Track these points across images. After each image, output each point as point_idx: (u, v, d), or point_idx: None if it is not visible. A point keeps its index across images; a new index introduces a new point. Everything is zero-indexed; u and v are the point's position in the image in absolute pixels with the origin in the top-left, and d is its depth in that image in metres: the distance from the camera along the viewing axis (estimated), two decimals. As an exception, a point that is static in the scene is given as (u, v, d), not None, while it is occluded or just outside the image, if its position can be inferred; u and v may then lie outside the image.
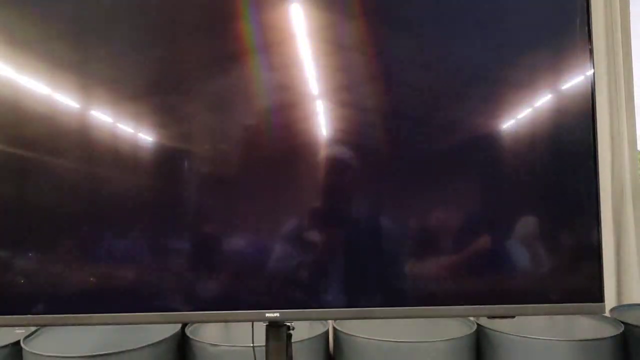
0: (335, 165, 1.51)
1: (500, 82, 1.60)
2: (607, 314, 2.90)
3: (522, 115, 1.60)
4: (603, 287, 1.66)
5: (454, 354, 2.57)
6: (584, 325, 2.80)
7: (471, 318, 2.79)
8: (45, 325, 2.53)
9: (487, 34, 1.64)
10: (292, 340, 1.76)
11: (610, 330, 2.67)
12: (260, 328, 1.76)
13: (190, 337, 2.61)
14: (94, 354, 2.34)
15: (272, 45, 1.44)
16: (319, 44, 1.46)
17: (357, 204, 1.58)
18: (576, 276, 1.66)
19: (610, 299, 3.17)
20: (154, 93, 1.51)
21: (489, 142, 1.62)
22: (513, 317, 1.68)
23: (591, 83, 1.67)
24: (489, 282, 1.67)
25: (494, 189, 1.65)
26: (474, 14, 1.65)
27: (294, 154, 1.58)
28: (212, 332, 2.74)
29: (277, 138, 1.58)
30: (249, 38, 1.46)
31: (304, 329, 2.68)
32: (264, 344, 1.74)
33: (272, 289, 1.68)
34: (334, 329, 2.73)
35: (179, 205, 1.57)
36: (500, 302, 1.68)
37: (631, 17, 3.14)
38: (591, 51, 1.67)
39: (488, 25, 1.63)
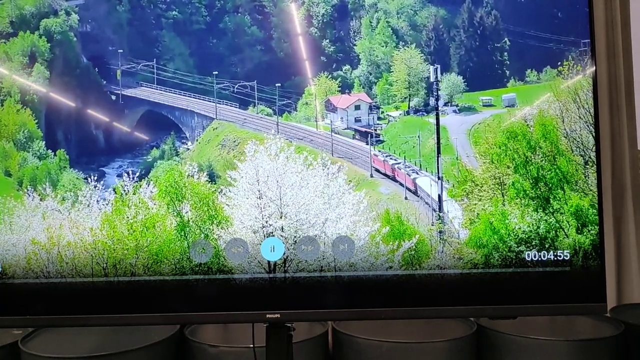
0: None
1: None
2: (607, 313, 2.90)
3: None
4: (605, 287, 1.66)
5: (454, 354, 2.56)
6: (584, 325, 2.79)
7: (471, 318, 2.78)
8: (43, 326, 2.52)
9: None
10: (292, 341, 1.75)
11: (610, 330, 2.66)
12: (261, 329, 1.75)
13: (189, 337, 2.60)
14: (92, 354, 2.33)
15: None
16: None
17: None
18: (578, 276, 1.66)
19: (610, 299, 3.16)
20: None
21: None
22: (515, 317, 1.68)
23: (593, 81, 1.67)
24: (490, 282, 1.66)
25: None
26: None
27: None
28: (210, 333, 2.73)
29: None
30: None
31: (304, 329, 2.67)
32: (263, 344, 1.73)
33: (273, 290, 1.68)
34: (334, 329, 2.72)
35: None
36: (501, 302, 1.67)
37: (631, 17, 3.13)
38: (593, 50, 1.66)
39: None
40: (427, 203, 1.77)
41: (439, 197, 1.75)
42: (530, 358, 2.52)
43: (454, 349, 2.57)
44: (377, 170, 1.80)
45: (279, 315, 1.66)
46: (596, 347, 2.55)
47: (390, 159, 1.82)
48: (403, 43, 1.81)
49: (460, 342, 2.58)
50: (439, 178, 1.75)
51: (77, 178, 1.76)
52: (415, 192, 1.79)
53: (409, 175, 1.80)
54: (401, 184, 1.81)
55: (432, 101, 1.78)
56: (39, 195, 1.73)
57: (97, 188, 1.74)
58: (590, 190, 1.67)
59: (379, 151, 1.81)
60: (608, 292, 3.10)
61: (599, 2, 3.10)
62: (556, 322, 2.85)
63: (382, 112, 1.84)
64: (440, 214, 1.74)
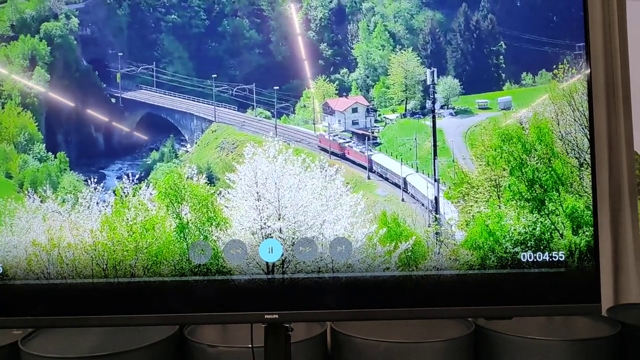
0: None
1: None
2: (604, 313, 2.91)
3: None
4: (599, 287, 1.67)
5: (452, 354, 2.58)
6: (581, 325, 2.80)
7: (469, 319, 2.79)
8: (43, 327, 2.53)
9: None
10: (291, 341, 1.76)
11: (607, 330, 2.67)
12: (259, 329, 1.77)
13: (189, 338, 2.61)
14: (92, 355, 2.34)
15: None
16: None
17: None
18: (573, 277, 1.67)
19: (607, 299, 3.17)
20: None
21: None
22: (510, 318, 1.69)
23: (588, 84, 1.68)
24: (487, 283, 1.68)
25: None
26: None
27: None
28: (209, 333, 2.74)
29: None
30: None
31: (302, 329, 2.69)
32: (262, 344, 1.75)
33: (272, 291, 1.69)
34: (332, 329, 2.73)
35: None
36: (497, 303, 1.69)
37: (627, 19, 3.15)
38: (588, 53, 1.68)
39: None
40: (385, 178, 1.80)
41: (436, 199, 1.76)
42: (528, 358, 2.54)
43: (451, 349, 2.58)
44: (324, 150, 1.83)
45: (277, 316, 1.68)
46: (593, 346, 2.56)
47: (340, 138, 1.84)
48: (400, 46, 1.83)
49: (458, 342, 2.59)
50: (435, 180, 1.76)
51: (77, 180, 1.78)
52: (370, 169, 1.83)
53: (363, 153, 1.83)
54: (353, 162, 1.84)
55: (428, 104, 1.80)
56: (40, 197, 1.75)
57: (97, 190, 1.75)
58: (586, 192, 1.68)
59: (325, 131, 1.84)
60: (605, 292, 3.12)
61: (596, 5, 3.12)
62: (553, 322, 2.86)
63: (379, 115, 1.86)
64: (437, 216, 1.76)
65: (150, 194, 1.74)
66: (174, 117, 1.95)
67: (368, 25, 1.86)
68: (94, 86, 1.86)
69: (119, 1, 1.84)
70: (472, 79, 1.80)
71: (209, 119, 1.90)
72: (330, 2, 1.84)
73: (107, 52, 1.84)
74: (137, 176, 1.75)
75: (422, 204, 1.77)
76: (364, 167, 1.85)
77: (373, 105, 1.85)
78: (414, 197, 1.77)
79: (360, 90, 1.85)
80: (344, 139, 1.84)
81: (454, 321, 2.80)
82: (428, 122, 1.80)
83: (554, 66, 1.70)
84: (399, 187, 1.80)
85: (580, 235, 1.68)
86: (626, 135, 3.18)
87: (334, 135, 1.84)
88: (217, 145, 1.88)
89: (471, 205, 1.72)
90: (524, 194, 1.69)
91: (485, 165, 1.72)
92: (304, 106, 1.83)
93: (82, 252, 1.72)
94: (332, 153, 1.84)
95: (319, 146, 1.84)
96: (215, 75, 1.82)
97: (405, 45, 1.82)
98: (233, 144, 1.86)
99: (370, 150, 1.81)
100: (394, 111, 1.85)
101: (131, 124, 1.90)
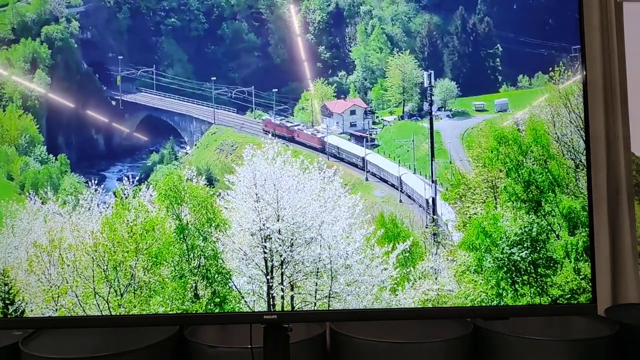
0: None
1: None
2: (602, 314, 2.92)
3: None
4: (595, 288, 1.68)
5: (451, 354, 2.58)
6: (579, 325, 2.81)
7: (467, 319, 2.79)
8: (43, 327, 2.54)
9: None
10: (290, 342, 1.77)
11: (605, 330, 2.67)
12: (258, 329, 1.78)
13: (188, 338, 2.62)
14: (92, 355, 2.35)
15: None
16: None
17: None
18: (569, 277, 1.68)
19: (605, 299, 3.18)
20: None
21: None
22: (507, 318, 1.71)
23: (583, 86, 1.69)
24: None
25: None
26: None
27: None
28: (209, 333, 2.75)
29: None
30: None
31: (302, 330, 2.69)
32: (261, 345, 1.76)
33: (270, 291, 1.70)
34: (331, 329, 2.74)
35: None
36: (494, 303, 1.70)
37: (624, 21, 3.16)
38: (584, 55, 1.69)
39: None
40: (341, 159, 1.83)
41: (433, 200, 1.77)
42: (526, 358, 2.54)
43: (450, 349, 2.58)
44: (269, 133, 1.84)
45: (276, 316, 1.69)
46: (591, 346, 2.56)
47: (287, 122, 1.85)
48: (397, 49, 1.84)
49: (456, 342, 2.59)
50: (432, 181, 1.78)
51: (78, 182, 1.79)
52: (322, 151, 1.84)
53: (314, 135, 1.84)
54: (303, 144, 1.85)
55: (426, 106, 1.81)
56: (41, 199, 1.76)
57: (97, 192, 1.76)
58: (582, 193, 1.69)
59: (270, 116, 1.85)
60: (603, 293, 3.13)
61: (593, 7, 3.13)
62: (552, 322, 2.87)
63: (377, 117, 1.87)
64: (434, 217, 1.77)
65: (150, 195, 1.76)
66: (174, 119, 1.96)
67: (366, 29, 1.87)
68: (95, 89, 1.87)
69: (119, 5, 1.85)
70: (469, 81, 1.82)
71: (209, 121, 1.92)
72: (329, 5, 1.86)
73: (107, 55, 1.86)
74: (137, 178, 1.76)
75: (387, 181, 1.78)
76: (316, 149, 1.86)
77: (371, 107, 1.87)
78: (375, 175, 1.78)
79: (358, 93, 1.86)
80: (292, 123, 1.85)
81: (452, 321, 2.81)
82: (425, 124, 1.81)
83: (550, 68, 1.71)
84: (356, 166, 1.81)
85: (576, 235, 1.69)
86: (624, 136, 3.19)
87: (281, 119, 1.85)
88: (217, 147, 1.90)
89: (468, 206, 1.73)
90: (520, 195, 1.70)
91: (482, 167, 1.73)
92: (303, 108, 1.84)
93: (82, 253, 1.73)
94: (279, 136, 1.84)
95: (263, 130, 1.84)
96: (215, 78, 1.83)
97: (403, 48, 1.83)
98: (232, 145, 1.87)
99: (322, 133, 1.82)
100: (391, 113, 1.87)
101: (131, 126, 1.91)
